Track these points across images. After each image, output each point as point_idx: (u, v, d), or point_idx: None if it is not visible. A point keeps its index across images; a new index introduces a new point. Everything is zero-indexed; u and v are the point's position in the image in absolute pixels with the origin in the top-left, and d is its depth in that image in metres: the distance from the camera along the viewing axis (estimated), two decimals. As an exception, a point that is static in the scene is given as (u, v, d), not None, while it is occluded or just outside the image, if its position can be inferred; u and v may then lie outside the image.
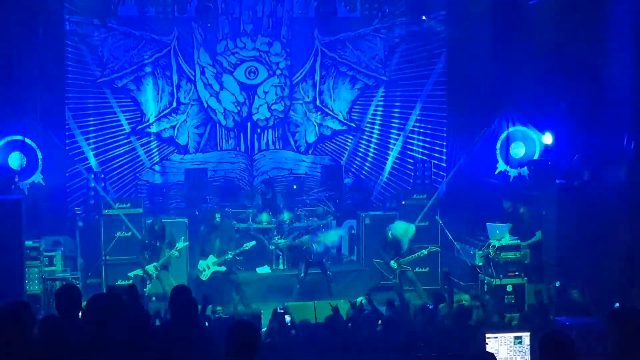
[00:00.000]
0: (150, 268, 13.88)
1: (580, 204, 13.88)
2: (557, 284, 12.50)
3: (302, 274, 14.50)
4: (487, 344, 8.33)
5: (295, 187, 16.90)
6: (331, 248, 14.79)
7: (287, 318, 10.22)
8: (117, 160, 17.04)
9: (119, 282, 13.70)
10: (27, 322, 5.68)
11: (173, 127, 17.41)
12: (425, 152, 17.59)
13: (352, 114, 17.94)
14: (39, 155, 15.44)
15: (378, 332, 10.08)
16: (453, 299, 11.87)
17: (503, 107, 16.44)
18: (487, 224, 14.43)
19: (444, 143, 17.48)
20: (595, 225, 13.58)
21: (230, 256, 14.20)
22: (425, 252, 14.42)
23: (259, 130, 17.74)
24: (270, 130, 17.78)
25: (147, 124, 17.30)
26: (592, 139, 14.78)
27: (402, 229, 14.37)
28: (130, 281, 13.32)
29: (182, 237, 14.44)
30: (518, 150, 16.66)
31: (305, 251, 14.52)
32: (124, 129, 17.16)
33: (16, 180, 14.67)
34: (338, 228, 15.38)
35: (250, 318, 10.43)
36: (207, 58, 17.39)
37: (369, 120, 17.90)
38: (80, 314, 6.58)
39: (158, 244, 14.06)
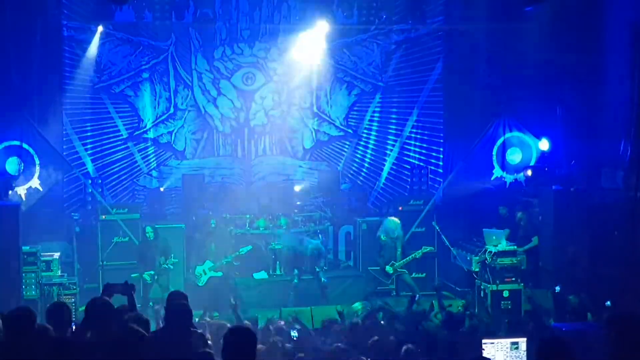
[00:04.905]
0: (146, 276, 13.95)
1: (577, 209, 13.93)
2: (557, 288, 12.53)
3: (296, 280, 14.54)
4: (483, 349, 8.35)
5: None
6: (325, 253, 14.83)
7: (294, 333, 10.07)
8: (115, 166, 17.06)
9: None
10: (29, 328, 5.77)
11: (170, 132, 17.44)
12: (422, 158, 17.64)
13: (349, 119, 17.98)
14: (37, 161, 15.45)
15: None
16: (444, 307, 11.86)
17: (500, 113, 16.48)
18: (483, 229, 14.45)
19: (441, 149, 17.51)
20: (591, 230, 13.63)
21: (226, 261, 14.23)
22: (419, 253, 14.41)
23: (256, 136, 17.76)
24: (267, 136, 17.80)
25: (145, 129, 17.33)
26: (588, 145, 14.84)
27: (393, 223, 14.39)
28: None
29: (172, 254, 14.36)
30: (514, 157, 16.71)
31: (299, 258, 14.57)
32: (122, 135, 17.19)
33: (14, 185, 14.67)
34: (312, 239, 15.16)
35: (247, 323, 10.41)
36: (205, 64, 17.42)
37: (366, 126, 17.94)
38: (71, 328, 6.65)
39: (153, 253, 14.10)
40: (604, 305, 11.47)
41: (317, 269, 14.58)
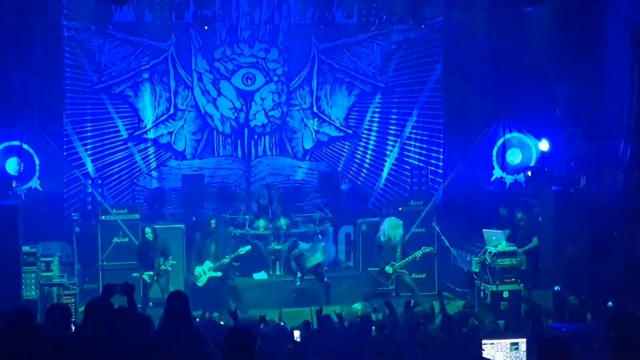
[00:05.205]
0: (146, 277, 13.95)
1: (577, 209, 13.93)
2: (556, 288, 12.53)
3: (298, 283, 14.52)
4: (483, 350, 8.35)
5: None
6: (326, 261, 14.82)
7: (297, 334, 10.02)
8: (115, 166, 17.04)
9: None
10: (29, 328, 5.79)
11: (170, 133, 17.43)
12: (422, 158, 17.62)
13: (349, 120, 17.97)
14: (37, 161, 15.44)
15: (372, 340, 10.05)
16: (445, 310, 11.86)
17: (500, 113, 16.48)
18: (483, 230, 14.46)
19: (441, 149, 17.49)
20: (591, 230, 13.63)
21: (226, 261, 14.23)
22: (419, 253, 14.38)
23: (256, 137, 17.76)
24: (267, 137, 17.80)
25: (145, 130, 17.31)
26: (588, 145, 14.83)
27: (392, 223, 14.36)
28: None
29: (170, 257, 14.34)
30: (514, 157, 16.70)
31: (301, 260, 14.56)
32: (122, 135, 17.17)
33: (13, 185, 14.67)
34: (319, 244, 15.01)
35: (246, 324, 10.41)
36: (205, 64, 17.41)
37: (366, 126, 17.93)
38: (71, 328, 6.66)
39: (152, 254, 14.10)
40: (605, 306, 11.48)
41: (320, 270, 14.58)
